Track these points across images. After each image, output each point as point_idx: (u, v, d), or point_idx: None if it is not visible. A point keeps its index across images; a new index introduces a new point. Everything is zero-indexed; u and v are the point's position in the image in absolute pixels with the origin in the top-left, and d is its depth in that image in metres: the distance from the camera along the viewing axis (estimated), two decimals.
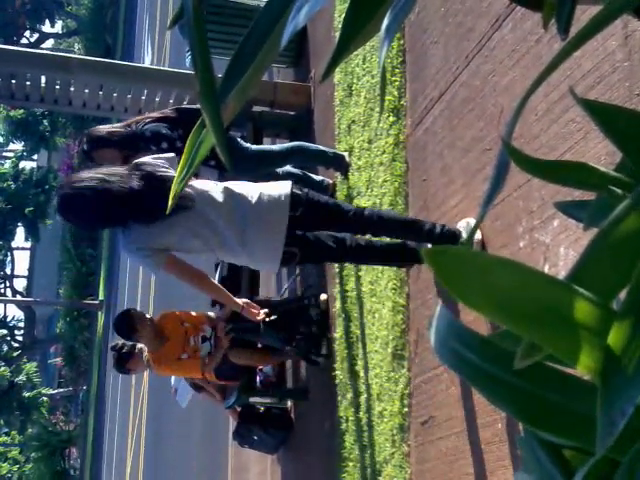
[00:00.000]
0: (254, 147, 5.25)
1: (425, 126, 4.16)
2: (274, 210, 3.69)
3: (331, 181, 5.52)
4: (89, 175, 3.67)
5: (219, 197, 3.72)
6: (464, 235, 3.58)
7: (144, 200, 3.60)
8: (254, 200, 3.71)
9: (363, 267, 4.79)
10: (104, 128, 5.03)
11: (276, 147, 5.37)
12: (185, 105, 5.28)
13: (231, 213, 3.69)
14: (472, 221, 3.60)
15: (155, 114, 5.11)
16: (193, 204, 3.64)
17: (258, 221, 3.68)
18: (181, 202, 3.53)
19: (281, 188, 3.77)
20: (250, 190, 3.76)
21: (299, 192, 3.77)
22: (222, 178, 5.05)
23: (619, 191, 1.01)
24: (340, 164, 5.36)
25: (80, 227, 3.87)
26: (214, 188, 3.77)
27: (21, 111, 27.21)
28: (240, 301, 4.26)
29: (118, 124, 5.14)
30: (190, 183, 3.65)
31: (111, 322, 23.03)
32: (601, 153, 2.63)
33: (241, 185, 3.83)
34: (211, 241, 3.71)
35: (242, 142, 5.25)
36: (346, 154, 5.36)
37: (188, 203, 3.62)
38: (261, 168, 5.20)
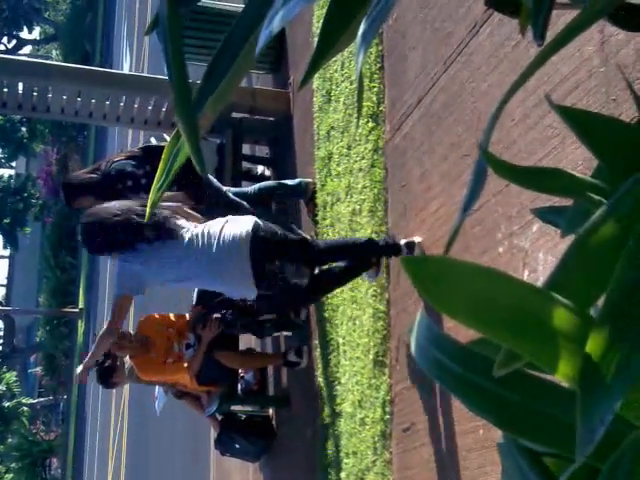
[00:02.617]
0: (231, 194, 5.28)
1: (404, 132, 4.17)
2: (234, 252, 3.94)
3: (310, 180, 5.53)
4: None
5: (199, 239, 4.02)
6: (404, 252, 3.94)
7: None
8: (217, 243, 3.97)
9: None
10: (77, 177, 5.27)
11: (245, 203, 5.38)
12: (154, 143, 5.35)
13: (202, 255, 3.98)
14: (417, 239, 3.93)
15: (123, 154, 5.27)
16: (174, 234, 4.00)
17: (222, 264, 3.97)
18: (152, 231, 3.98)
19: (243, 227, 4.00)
20: (217, 231, 4.03)
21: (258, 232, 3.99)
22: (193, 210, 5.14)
23: (596, 197, 1.01)
24: (304, 193, 5.53)
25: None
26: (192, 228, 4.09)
27: None
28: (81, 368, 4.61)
29: (89, 168, 5.38)
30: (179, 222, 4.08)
31: (91, 330, 22.91)
32: (579, 158, 2.64)
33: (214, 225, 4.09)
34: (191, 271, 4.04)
35: (219, 185, 5.27)
36: (309, 180, 5.53)
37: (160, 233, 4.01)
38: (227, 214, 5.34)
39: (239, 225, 3.98)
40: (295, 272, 4.03)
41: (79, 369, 4.60)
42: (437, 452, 3.57)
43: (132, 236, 3.96)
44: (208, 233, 3.98)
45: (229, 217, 4.13)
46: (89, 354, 4.58)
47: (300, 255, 4.07)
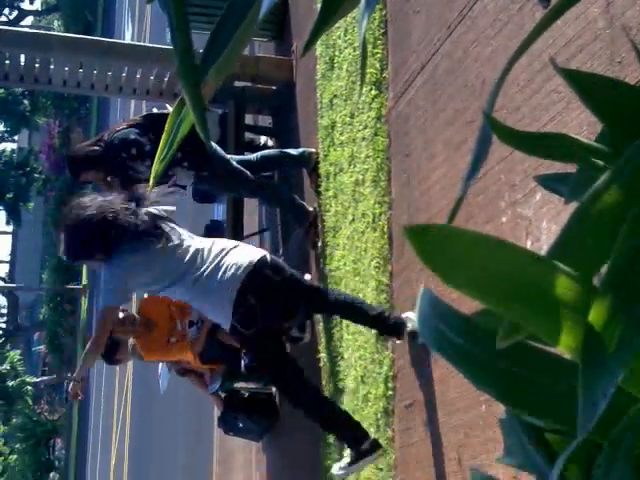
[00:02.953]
0: (234, 162, 5.26)
1: (407, 99, 4.13)
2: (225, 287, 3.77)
3: (313, 150, 5.50)
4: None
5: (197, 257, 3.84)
6: (409, 326, 3.76)
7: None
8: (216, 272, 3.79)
9: (347, 245, 4.76)
10: (81, 150, 5.20)
11: (249, 175, 5.33)
12: (155, 111, 5.33)
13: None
14: (411, 314, 3.76)
15: (125, 123, 5.24)
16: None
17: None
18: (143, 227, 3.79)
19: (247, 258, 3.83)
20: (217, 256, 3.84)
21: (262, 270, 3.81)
22: (197, 178, 5.13)
23: (600, 163, 0.98)
24: (307, 163, 5.49)
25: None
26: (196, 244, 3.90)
27: (1, 90, 27.00)
28: (74, 377, 4.35)
29: (92, 140, 5.31)
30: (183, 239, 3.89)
31: (95, 308, 22.94)
32: (583, 123, 2.60)
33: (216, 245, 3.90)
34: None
35: (223, 153, 5.25)
36: (312, 150, 5.47)
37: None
38: (231, 182, 5.33)
39: (245, 254, 3.83)
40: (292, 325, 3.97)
41: (70, 385, 4.39)
42: (439, 430, 3.55)
43: (111, 236, 3.77)
44: (214, 258, 3.80)
45: (239, 243, 4.00)
46: (77, 370, 4.41)
47: (303, 302, 3.96)
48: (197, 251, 3.83)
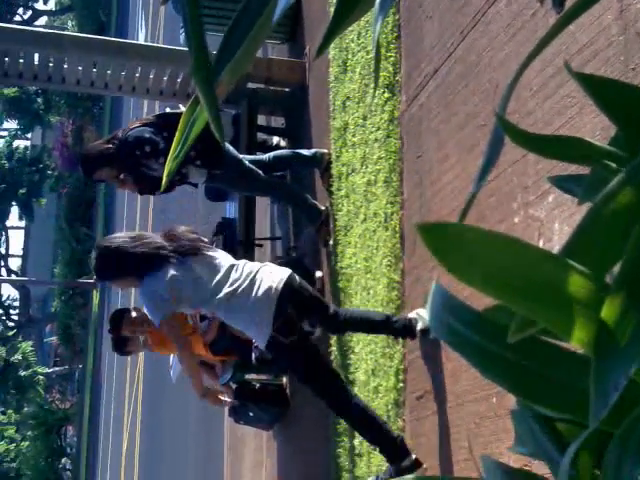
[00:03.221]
0: (247, 162, 5.29)
1: (420, 102, 4.15)
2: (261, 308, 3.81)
3: (325, 150, 5.52)
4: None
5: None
6: (420, 325, 3.82)
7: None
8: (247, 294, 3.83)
9: (358, 244, 4.79)
10: (94, 148, 5.23)
11: (262, 174, 5.36)
12: (168, 110, 5.36)
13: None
14: (421, 311, 3.85)
15: (138, 121, 5.25)
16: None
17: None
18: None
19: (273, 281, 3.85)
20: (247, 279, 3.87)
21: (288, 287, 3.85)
22: (210, 177, 5.16)
23: (613, 165, 1.00)
24: (319, 163, 5.51)
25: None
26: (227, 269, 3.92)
27: (15, 89, 27.08)
28: (200, 394, 4.24)
29: (105, 138, 5.33)
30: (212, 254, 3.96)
31: (106, 301, 22.98)
32: (596, 128, 2.62)
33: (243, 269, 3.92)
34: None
35: (236, 153, 5.29)
36: (325, 150, 5.49)
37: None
38: (243, 182, 5.34)
39: (270, 279, 3.86)
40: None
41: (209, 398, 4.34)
42: (450, 420, 3.58)
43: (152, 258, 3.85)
44: (247, 276, 3.85)
45: (267, 263, 4.04)
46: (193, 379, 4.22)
47: (321, 319, 4.06)
48: (231, 268, 3.89)
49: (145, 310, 3.98)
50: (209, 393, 4.27)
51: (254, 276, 3.84)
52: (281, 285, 3.81)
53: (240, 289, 3.80)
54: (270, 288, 3.79)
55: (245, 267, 3.91)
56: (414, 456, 3.79)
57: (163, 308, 3.81)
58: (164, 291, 3.79)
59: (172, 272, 3.82)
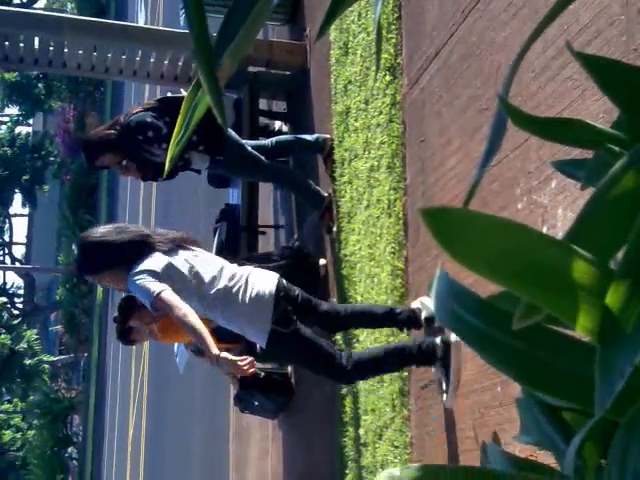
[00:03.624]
0: (249, 147, 5.27)
1: (422, 85, 4.12)
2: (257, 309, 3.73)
3: (328, 136, 5.51)
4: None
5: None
6: (423, 314, 3.75)
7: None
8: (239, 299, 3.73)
9: (362, 231, 4.78)
10: (96, 134, 5.20)
11: (264, 160, 5.33)
12: (169, 95, 5.34)
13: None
14: (425, 299, 3.77)
15: (140, 107, 5.22)
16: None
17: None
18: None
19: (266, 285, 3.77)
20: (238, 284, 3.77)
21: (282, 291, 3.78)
22: (212, 163, 5.14)
23: (617, 149, 0.99)
24: (321, 148, 5.49)
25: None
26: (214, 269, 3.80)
27: (15, 74, 27.04)
28: (216, 351, 3.67)
29: (107, 124, 5.31)
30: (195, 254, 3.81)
31: (111, 289, 22.98)
32: (599, 111, 2.60)
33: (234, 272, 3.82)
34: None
35: (238, 138, 5.27)
36: (327, 136, 5.46)
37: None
38: (246, 167, 5.32)
39: (263, 282, 3.79)
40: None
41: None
42: (455, 409, 3.58)
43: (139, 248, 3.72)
44: (239, 278, 3.77)
45: (251, 269, 3.89)
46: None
47: (317, 320, 3.96)
48: (223, 266, 3.81)
49: (137, 295, 3.75)
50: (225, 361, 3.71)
51: (247, 277, 3.77)
52: (274, 287, 3.74)
53: (237, 286, 3.73)
54: (265, 289, 3.73)
55: (238, 268, 3.84)
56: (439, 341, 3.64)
57: (154, 284, 3.59)
58: (154, 270, 3.64)
59: (163, 256, 3.71)
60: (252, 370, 3.62)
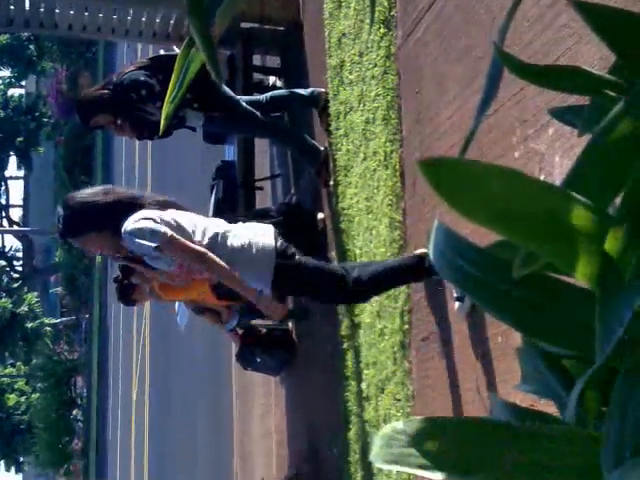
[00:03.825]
0: (244, 103, 5.23)
1: (416, 37, 4.09)
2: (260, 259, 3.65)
3: (322, 89, 5.47)
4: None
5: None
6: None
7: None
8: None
9: (359, 184, 4.76)
10: (89, 94, 5.17)
11: (259, 115, 5.28)
12: (162, 52, 5.29)
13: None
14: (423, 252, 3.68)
15: (133, 65, 5.18)
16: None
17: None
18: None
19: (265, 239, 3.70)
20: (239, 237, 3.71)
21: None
22: (207, 120, 5.11)
23: (613, 94, 0.98)
24: (316, 102, 5.44)
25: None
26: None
27: (6, 36, 26.82)
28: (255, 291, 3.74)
29: (100, 84, 5.27)
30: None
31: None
32: (595, 58, 2.59)
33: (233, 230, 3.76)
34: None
35: (232, 94, 5.25)
36: (322, 89, 5.41)
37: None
38: (241, 123, 5.30)
39: (256, 229, 3.74)
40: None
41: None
42: (456, 361, 3.59)
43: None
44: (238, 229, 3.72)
45: (247, 224, 3.83)
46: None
47: (330, 292, 3.83)
48: (218, 220, 3.80)
49: (136, 245, 3.58)
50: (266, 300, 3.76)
51: (239, 229, 3.73)
52: (270, 230, 3.72)
53: (235, 232, 3.68)
54: (265, 240, 3.68)
55: (228, 225, 3.78)
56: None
57: (159, 226, 3.52)
58: (153, 217, 3.57)
59: (156, 210, 3.64)
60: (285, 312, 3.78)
